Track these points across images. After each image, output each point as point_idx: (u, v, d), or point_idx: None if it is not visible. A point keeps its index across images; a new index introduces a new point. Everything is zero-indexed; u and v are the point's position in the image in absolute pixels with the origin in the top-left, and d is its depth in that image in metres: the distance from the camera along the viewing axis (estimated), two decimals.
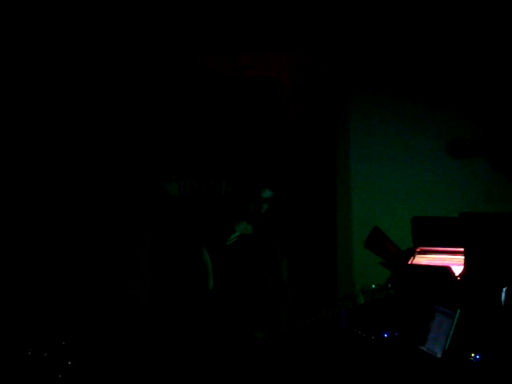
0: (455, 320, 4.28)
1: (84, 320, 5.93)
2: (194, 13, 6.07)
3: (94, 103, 6.19)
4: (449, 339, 4.27)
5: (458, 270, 4.76)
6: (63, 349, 5.14)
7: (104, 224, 6.19)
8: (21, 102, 6.12)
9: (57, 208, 6.15)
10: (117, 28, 6.09)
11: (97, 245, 6.16)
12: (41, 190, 6.12)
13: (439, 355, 4.29)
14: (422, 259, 5.11)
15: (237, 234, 5.06)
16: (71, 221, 6.16)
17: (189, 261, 5.35)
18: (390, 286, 4.96)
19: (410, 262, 5.09)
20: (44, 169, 6.14)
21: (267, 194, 5.06)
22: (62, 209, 6.16)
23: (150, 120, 6.33)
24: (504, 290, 4.37)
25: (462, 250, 4.77)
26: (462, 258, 4.76)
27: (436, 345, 4.36)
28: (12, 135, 6.11)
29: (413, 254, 5.14)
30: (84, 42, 6.10)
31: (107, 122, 6.22)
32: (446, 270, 4.76)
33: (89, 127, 6.20)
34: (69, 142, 6.18)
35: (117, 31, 6.10)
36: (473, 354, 4.21)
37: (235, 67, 6.35)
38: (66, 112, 6.17)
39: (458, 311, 4.30)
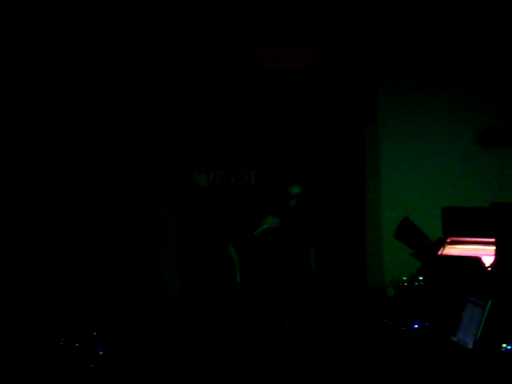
0: (486, 310, 4.25)
1: (115, 311, 5.98)
2: (223, 5, 6.08)
3: (126, 94, 6.22)
4: (480, 330, 4.24)
5: (488, 260, 4.73)
6: (95, 339, 5.17)
7: (135, 215, 6.22)
8: (51, 95, 6.18)
9: (87, 199, 6.20)
10: (148, 21, 6.12)
11: (126, 235, 6.20)
12: (80, 181, 6.19)
13: (470, 346, 4.25)
14: (452, 250, 5.08)
15: (264, 227, 5.08)
16: (101, 212, 6.20)
17: (216, 255, 5.38)
18: (420, 278, 4.95)
19: (440, 253, 5.06)
20: (80, 160, 6.20)
21: (296, 189, 5.11)
22: (92, 199, 6.21)
23: (180, 111, 6.34)
24: None
25: (493, 240, 4.74)
26: (492, 248, 4.73)
27: (467, 335, 4.32)
28: (40, 127, 6.17)
29: (443, 244, 5.11)
30: (118, 32, 6.14)
31: (138, 114, 6.25)
32: (476, 261, 4.72)
33: (121, 118, 6.23)
34: (102, 133, 6.22)
35: (148, 24, 6.13)
36: (504, 345, 4.17)
37: (265, 58, 6.35)
38: (100, 104, 6.22)
39: (490, 302, 4.27)
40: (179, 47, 6.23)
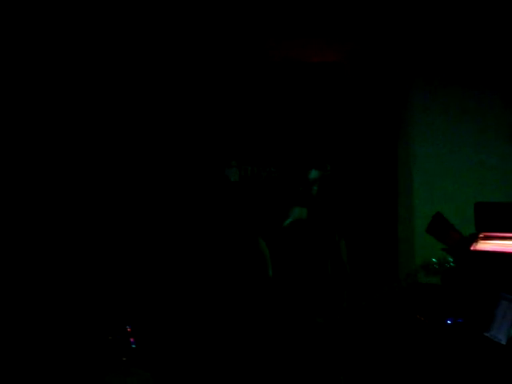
0: None
1: (147, 305, 6.01)
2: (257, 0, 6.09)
3: (160, 89, 6.24)
4: None
5: None
6: (127, 332, 5.21)
7: (167, 211, 6.24)
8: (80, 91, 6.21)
9: (121, 193, 6.24)
10: (183, 15, 6.13)
11: (157, 232, 6.21)
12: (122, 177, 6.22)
13: (504, 342, 4.24)
14: (485, 245, 5.03)
15: (291, 219, 5.05)
16: (134, 208, 6.23)
17: (246, 250, 5.36)
18: (450, 259, 4.93)
19: (472, 248, 5.02)
20: (117, 155, 6.23)
21: (314, 174, 5.00)
22: (123, 195, 6.24)
23: (211, 106, 6.34)
24: None
25: None
26: None
27: (501, 332, 4.30)
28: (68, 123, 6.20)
29: (476, 239, 5.07)
30: (151, 26, 6.15)
31: (170, 108, 6.26)
32: (510, 257, 4.69)
33: (152, 114, 6.25)
34: (136, 129, 6.25)
35: (183, 19, 6.14)
36: None
37: (299, 53, 6.33)
38: (133, 99, 6.23)
39: None
40: (213, 42, 6.23)
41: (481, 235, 5.08)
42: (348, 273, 5.21)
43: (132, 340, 5.20)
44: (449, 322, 4.65)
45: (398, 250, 6.23)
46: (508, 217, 4.99)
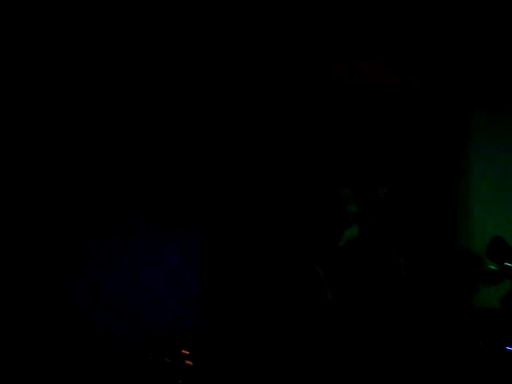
0: None
1: (204, 328, 6.03)
2: (311, 22, 6.09)
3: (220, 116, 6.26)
4: None
5: None
6: (184, 354, 5.23)
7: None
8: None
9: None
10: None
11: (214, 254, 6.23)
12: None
13: None
14: None
15: (343, 241, 5.02)
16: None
17: (303, 276, 5.34)
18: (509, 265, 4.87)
19: None
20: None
21: (346, 193, 4.96)
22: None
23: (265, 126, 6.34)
24: None
25: None
26: None
27: None
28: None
29: None
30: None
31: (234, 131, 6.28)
32: None
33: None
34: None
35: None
36: None
37: (353, 75, 6.32)
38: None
39: None
40: (274, 63, 6.24)
41: None
42: (408, 291, 5.15)
43: (188, 363, 5.23)
44: (509, 348, 4.58)
45: (458, 266, 6.14)
46: None
